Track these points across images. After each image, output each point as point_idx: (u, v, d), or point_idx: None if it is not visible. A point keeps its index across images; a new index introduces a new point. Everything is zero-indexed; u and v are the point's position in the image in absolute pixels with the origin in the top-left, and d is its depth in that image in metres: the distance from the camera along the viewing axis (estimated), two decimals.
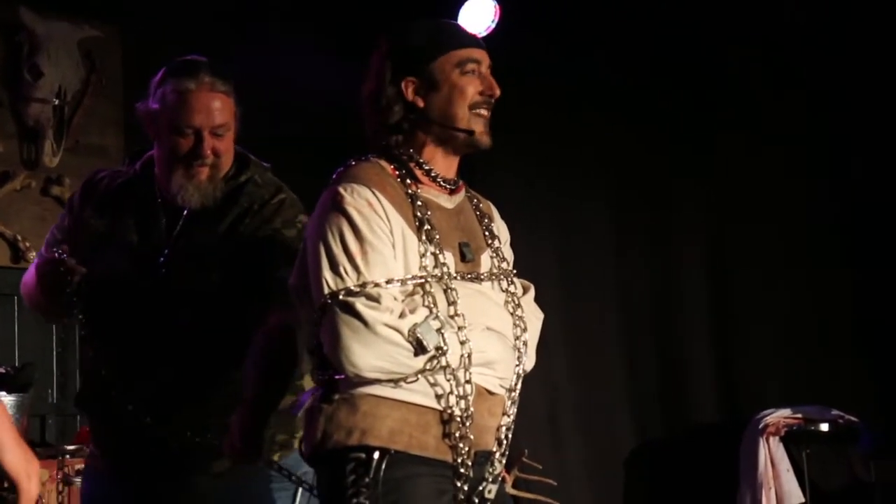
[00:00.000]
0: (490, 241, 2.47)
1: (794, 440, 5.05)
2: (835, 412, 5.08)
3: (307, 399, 2.33)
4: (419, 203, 2.33)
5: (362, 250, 2.22)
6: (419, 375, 2.20)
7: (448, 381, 2.23)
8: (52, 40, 5.24)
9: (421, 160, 2.40)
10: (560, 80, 5.51)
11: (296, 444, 2.78)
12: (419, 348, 2.17)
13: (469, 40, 2.44)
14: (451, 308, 2.25)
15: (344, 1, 5.64)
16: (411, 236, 2.29)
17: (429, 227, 2.31)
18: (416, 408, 2.22)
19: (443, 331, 2.19)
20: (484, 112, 2.41)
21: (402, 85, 2.38)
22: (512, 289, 2.44)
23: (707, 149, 5.60)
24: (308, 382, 2.79)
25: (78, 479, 4.13)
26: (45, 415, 5.10)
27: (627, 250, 5.74)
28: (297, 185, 2.91)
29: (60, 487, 4.30)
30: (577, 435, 5.63)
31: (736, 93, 5.43)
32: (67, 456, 4.37)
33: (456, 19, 4.51)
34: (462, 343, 2.22)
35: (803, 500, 4.97)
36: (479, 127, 2.39)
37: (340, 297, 2.19)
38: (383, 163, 2.38)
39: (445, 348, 2.19)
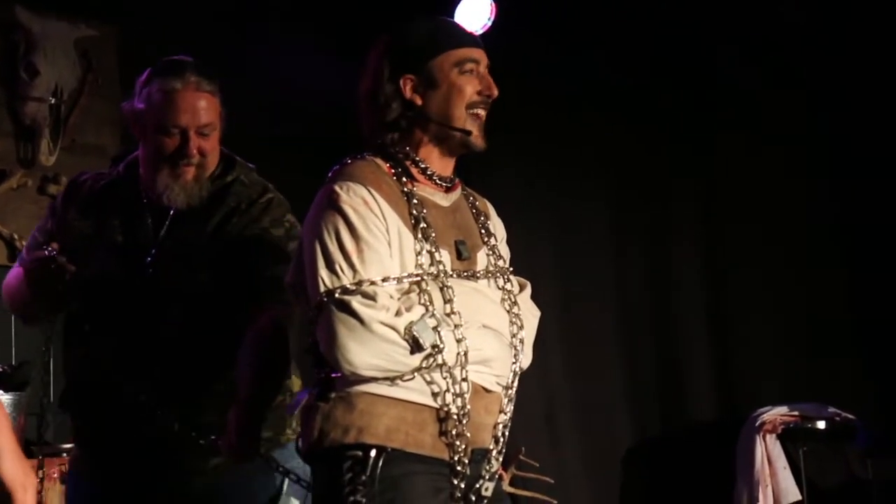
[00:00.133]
0: (486, 239, 2.47)
1: (790, 438, 5.06)
2: (832, 410, 5.09)
3: (304, 397, 2.34)
4: (415, 201, 2.34)
5: (358, 248, 2.23)
6: (416, 373, 2.20)
7: (444, 378, 2.23)
8: (49, 39, 5.23)
9: (417, 158, 2.40)
10: (557, 78, 5.51)
11: (283, 440, 2.78)
12: (415, 346, 2.17)
13: (469, 40, 2.44)
14: (448, 306, 2.25)
15: (343, 0, 5.63)
16: (407, 234, 2.29)
17: (425, 226, 2.31)
18: (413, 406, 2.23)
19: (439, 329, 2.19)
20: (481, 112, 2.41)
21: (401, 82, 2.38)
22: (508, 286, 2.44)
23: (705, 148, 5.62)
24: (296, 383, 2.80)
25: None
26: (42, 413, 5.08)
27: (625, 249, 5.75)
28: (297, 185, 2.89)
29: (59, 486, 4.31)
30: (574, 433, 5.63)
31: (735, 92, 5.44)
32: (65, 455, 4.37)
33: (452, 17, 4.52)
34: (458, 341, 2.23)
35: (800, 497, 4.98)
36: (475, 128, 2.40)
37: (336, 295, 2.19)
38: (379, 161, 2.38)
39: (442, 346, 2.19)
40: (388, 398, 2.22)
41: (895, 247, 5.04)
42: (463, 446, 2.25)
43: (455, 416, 2.24)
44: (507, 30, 5.13)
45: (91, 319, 2.77)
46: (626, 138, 5.63)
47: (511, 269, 2.50)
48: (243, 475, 2.70)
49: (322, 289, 2.21)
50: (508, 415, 2.39)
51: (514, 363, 2.39)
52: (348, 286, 2.20)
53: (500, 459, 2.39)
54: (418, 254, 2.28)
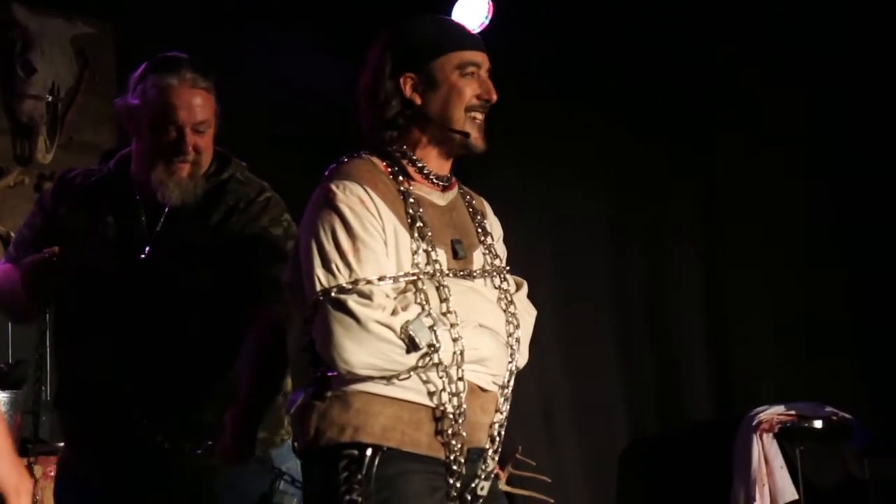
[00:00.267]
0: (483, 238, 2.46)
1: (787, 437, 5.07)
2: (828, 409, 5.10)
3: (299, 396, 2.33)
4: (411, 200, 2.33)
5: (354, 248, 2.22)
6: (412, 372, 2.20)
7: (441, 378, 2.22)
8: (46, 37, 5.22)
9: (414, 157, 2.39)
10: (555, 77, 5.51)
11: (277, 441, 2.77)
12: (411, 345, 2.17)
13: (472, 43, 2.43)
14: (444, 305, 2.25)
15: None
16: (403, 233, 2.29)
17: (421, 225, 2.30)
18: (409, 405, 2.22)
19: (435, 328, 2.19)
20: (479, 116, 2.41)
21: (401, 80, 2.38)
22: (505, 286, 2.44)
23: (705, 148, 5.62)
24: (288, 383, 2.78)
25: None
26: (38, 411, 5.08)
27: (624, 248, 5.76)
28: (295, 185, 2.88)
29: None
30: (572, 432, 5.63)
31: (735, 92, 5.44)
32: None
33: (450, 16, 4.51)
34: (454, 340, 2.22)
35: (797, 496, 4.98)
36: (473, 131, 2.39)
37: (332, 294, 2.19)
38: (375, 160, 2.38)
39: (438, 345, 2.19)
40: (385, 397, 2.22)
41: (893, 247, 5.04)
42: (459, 445, 2.24)
43: (451, 416, 2.23)
44: (504, 29, 5.12)
45: (84, 317, 2.75)
46: (624, 138, 5.63)
47: (507, 268, 2.49)
48: (237, 475, 2.69)
49: (318, 287, 2.21)
50: (505, 414, 2.39)
51: (510, 362, 2.38)
52: (344, 285, 2.19)
53: (497, 459, 2.39)
54: (414, 253, 2.28)
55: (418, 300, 2.24)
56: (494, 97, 2.41)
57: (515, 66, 4.89)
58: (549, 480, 4.63)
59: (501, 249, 2.53)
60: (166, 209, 2.75)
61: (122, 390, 2.68)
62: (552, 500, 4.46)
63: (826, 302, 5.35)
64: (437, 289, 2.26)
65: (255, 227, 2.75)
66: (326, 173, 2.37)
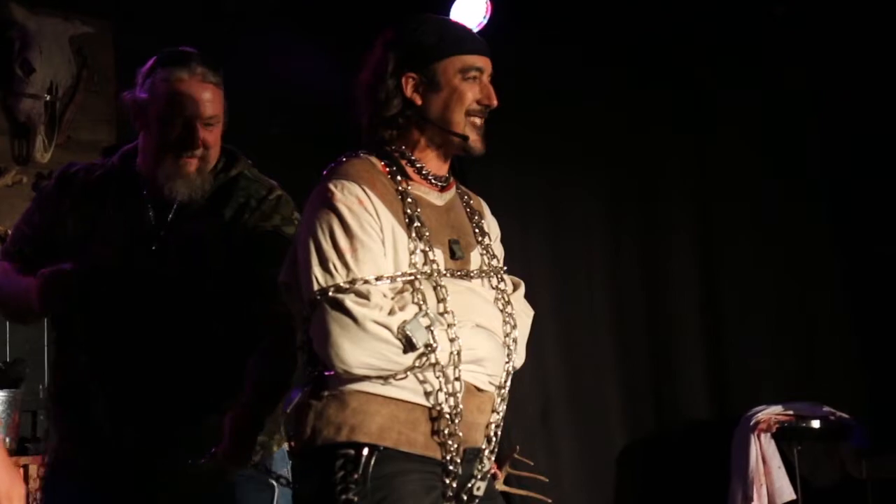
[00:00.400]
0: (480, 238, 2.47)
1: (785, 437, 5.06)
2: (826, 409, 5.09)
3: (297, 396, 2.34)
4: (409, 200, 2.33)
5: (352, 247, 2.23)
6: (408, 372, 2.20)
7: (437, 378, 2.23)
8: (44, 36, 5.22)
9: (413, 157, 2.40)
10: (553, 77, 5.51)
11: (275, 447, 2.75)
12: (408, 345, 2.17)
13: (476, 47, 2.43)
14: (441, 305, 2.25)
15: None
16: (401, 233, 2.29)
17: (419, 225, 2.31)
18: (406, 405, 2.23)
19: (432, 328, 2.19)
20: (478, 121, 2.41)
21: (403, 80, 2.38)
22: (502, 286, 2.44)
23: (702, 147, 5.61)
24: None
25: None
26: (36, 410, 5.08)
27: (621, 248, 5.75)
28: (296, 185, 2.87)
29: None
30: (569, 431, 5.63)
31: (734, 91, 5.44)
32: None
33: (448, 15, 4.51)
34: (451, 340, 2.23)
35: (794, 496, 4.98)
36: (472, 134, 2.40)
37: (330, 293, 2.19)
38: (374, 159, 2.38)
39: (435, 345, 2.19)
40: (381, 397, 2.22)
41: (891, 247, 5.04)
42: (455, 445, 2.25)
43: (447, 416, 2.24)
44: (502, 28, 5.13)
45: (88, 314, 2.69)
46: (622, 137, 5.63)
47: (505, 268, 2.50)
48: (233, 482, 2.67)
49: (316, 287, 2.21)
50: (501, 414, 2.39)
51: (507, 363, 2.39)
52: (342, 285, 2.20)
53: (493, 459, 2.39)
54: (412, 253, 2.28)
55: (416, 300, 2.24)
56: (495, 102, 2.41)
57: (513, 65, 4.89)
58: (547, 480, 4.62)
59: (499, 249, 2.54)
60: (175, 205, 2.72)
61: (126, 388, 2.64)
62: (549, 500, 4.44)
63: (824, 302, 5.35)
64: (435, 289, 2.27)
65: (267, 226, 2.73)
66: (325, 173, 2.37)
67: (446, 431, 2.24)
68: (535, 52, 5.43)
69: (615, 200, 5.75)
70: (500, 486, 4.25)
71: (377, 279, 2.22)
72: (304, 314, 2.27)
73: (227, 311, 2.68)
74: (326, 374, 2.25)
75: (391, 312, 2.19)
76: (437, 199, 2.42)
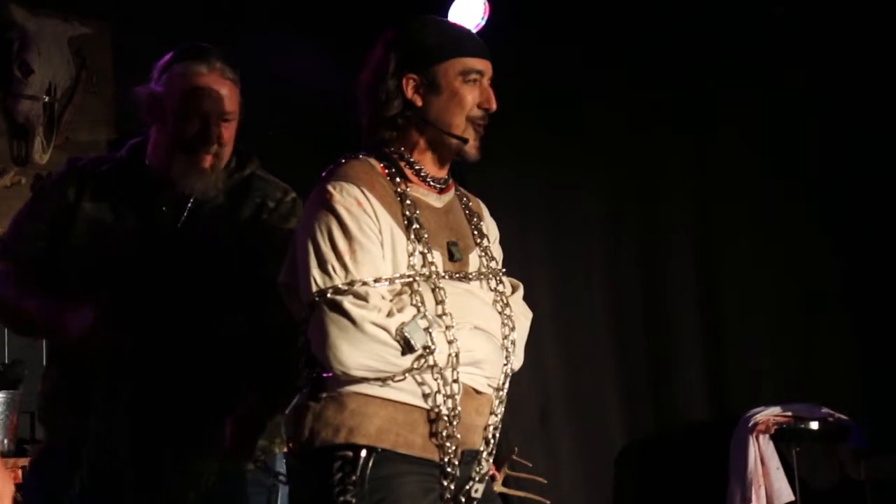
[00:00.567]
0: (479, 240, 2.47)
1: (784, 438, 5.06)
2: (825, 410, 5.09)
3: (295, 397, 2.33)
4: (408, 202, 2.33)
5: (351, 249, 2.22)
6: (407, 374, 2.20)
7: (435, 380, 2.23)
8: (43, 37, 5.22)
9: (411, 159, 2.40)
10: (551, 78, 5.51)
11: (276, 450, 2.74)
12: (407, 347, 2.17)
13: (477, 50, 2.43)
14: (439, 307, 2.25)
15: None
16: (400, 235, 2.29)
17: (417, 226, 2.31)
18: (404, 406, 2.23)
19: (430, 330, 2.19)
20: (479, 126, 2.40)
21: (403, 81, 2.38)
22: (500, 288, 2.44)
23: (701, 147, 5.61)
24: None
25: None
26: (34, 412, 5.08)
27: (620, 249, 5.75)
28: (296, 185, 2.87)
29: None
30: (568, 432, 5.63)
31: (734, 91, 5.44)
32: None
33: (446, 16, 4.51)
34: (450, 342, 2.23)
35: (793, 498, 4.98)
36: (471, 139, 2.39)
37: (328, 295, 2.19)
38: (373, 161, 2.38)
39: (433, 347, 2.19)
40: (380, 399, 2.22)
41: (890, 248, 5.04)
42: (453, 447, 2.25)
43: (446, 418, 2.24)
44: (501, 28, 5.12)
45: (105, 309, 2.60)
46: (621, 137, 5.63)
47: (503, 270, 2.50)
48: (234, 484, 2.66)
49: (314, 289, 2.21)
50: (499, 416, 2.39)
51: (505, 365, 2.39)
52: (340, 286, 2.20)
53: (491, 461, 2.39)
54: (411, 255, 2.28)
55: (414, 302, 2.24)
56: (494, 106, 2.41)
57: (512, 65, 4.88)
58: (545, 482, 4.62)
59: (497, 251, 2.54)
60: (190, 202, 2.69)
61: (132, 388, 2.60)
62: (548, 502, 4.45)
63: (823, 302, 5.35)
64: (433, 291, 2.26)
65: (285, 229, 2.69)
66: (324, 174, 2.37)
67: (444, 433, 2.24)
68: (534, 52, 5.42)
69: (615, 200, 5.75)
70: (498, 487, 4.25)
71: (376, 281, 2.22)
72: (302, 315, 2.27)
73: (245, 311, 2.66)
74: (325, 375, 2.25)
75: (389, 314, 2.19)
76: (436, 200, 2.42)
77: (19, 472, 3.99)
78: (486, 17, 5.24)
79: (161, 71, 2.69)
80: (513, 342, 2.41)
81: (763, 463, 5.02)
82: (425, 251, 2.29)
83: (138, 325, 2.60)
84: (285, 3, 5.58)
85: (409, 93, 2.38)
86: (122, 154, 2.78)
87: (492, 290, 2.42)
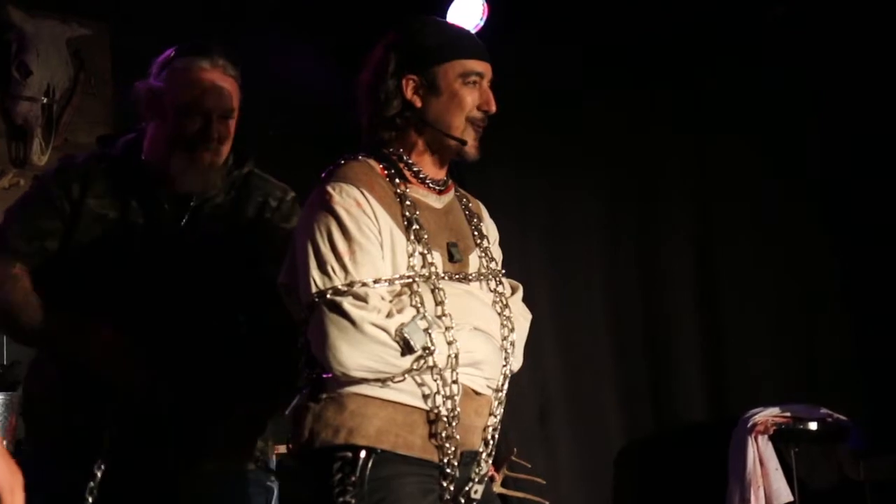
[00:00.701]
0: (479, 241, 2.47)
1: (782, 439, 5.05)
2: (824, 411, 5.08)
3: (295, 398, 2.33)
4: (408, 203, 2.34)
5: (350, 250, 2.23)
6: (406, 375, 2.21)
7: (435, 381, 2.23)
8: (41, 39, 5.21)
9: (410, 161, 2.40)
10: (550, 78, 5.51)
11: (271, 452, 2.74)
12: (406, 348, 2.17)
13: (477, 52, 2.43)
14: (439, 308, 2.25)
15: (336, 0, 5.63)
16: (399, 236, 2.29)
17: (417, 227, 2.31)
18: (403, 407, 2.23)
19: (430, 331, 2.20)
20: (479, 128, 2.41)
21: (403, 81, 2.38)
22: (500, 289, 2.44)
23: (700, 147, 5.61)
24: None
25: None
26: None
27: (619, 249, 5.75)
28: (295, 185, 2.87)
29: None
30: (567, 433, 5.63)
31: (734, 92, 5.43)
32: None
33: (445, 17, 4.51)
34: (449, 343, 2.23)
35: (791, 498, 4.97)
36: (471, 139, 2.39)
37: (328, 296, 2.19)
38: (372, 162, 2.38)
39: (432, 348, 2.19)
40: (379, 399, 2.22)
41: (890, 248, 5.04)
42: (452, 448, 2.25)
43: (445, 419, 2.24)
44: (499, 29, 5.13)
45: (102, 308, 2.59)
46: (620, 138, 5.63)
47: (503, 271, 2.50)
48: (232, 484, 2.66)
49: (314, 289, 2.21)
50: (498, 417, 2.40)
51: (504, 366, 2.39)
52: (340, 287, 2.20)
53: (490, 462, 2.39)
54: (410, 255, 2.28)
55: (413, 303, 2.24)
56: (493, 108, 2.42)
57: (512, 66, 4.88)
58: (544, 482, 4.62)
59: (497, 252, 2.54)
60: (192, 200, 2.67)
61: (133, 388, 2.57)
62: (547, 502, 4.45)
63: (823, 303, 5.34)
64: (433, 291, 2.27)
65: (287, 228, 2.68)
66: (323, 175, 2.37)
67: (444, 434, 2.24)
68: (533, 52, 5.42)
69: (615, 201, 5.75)
70: (497, 488, 4.25)
71: (375, 282, 2.22)
72: (302, 316, 2.27)
73: (248, 311, 2.67)
74: (324, 376, 2.25)
75: (389, 315, 2.19)
76: (436, 201, 2.42)
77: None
78: (484, 18, 5.25)
79: (161, 66, 2.68)
80: (512, 343, 2.41)
81: (762, 463, 5.02)
82: (425, 252, 2.29)
83: (141, 325, 2.58)
84: (285, 3, 5.58)
85: (409, 93, 2.38)
86: (117, 150, 2.76)
87: (491, 291, 2.43)
